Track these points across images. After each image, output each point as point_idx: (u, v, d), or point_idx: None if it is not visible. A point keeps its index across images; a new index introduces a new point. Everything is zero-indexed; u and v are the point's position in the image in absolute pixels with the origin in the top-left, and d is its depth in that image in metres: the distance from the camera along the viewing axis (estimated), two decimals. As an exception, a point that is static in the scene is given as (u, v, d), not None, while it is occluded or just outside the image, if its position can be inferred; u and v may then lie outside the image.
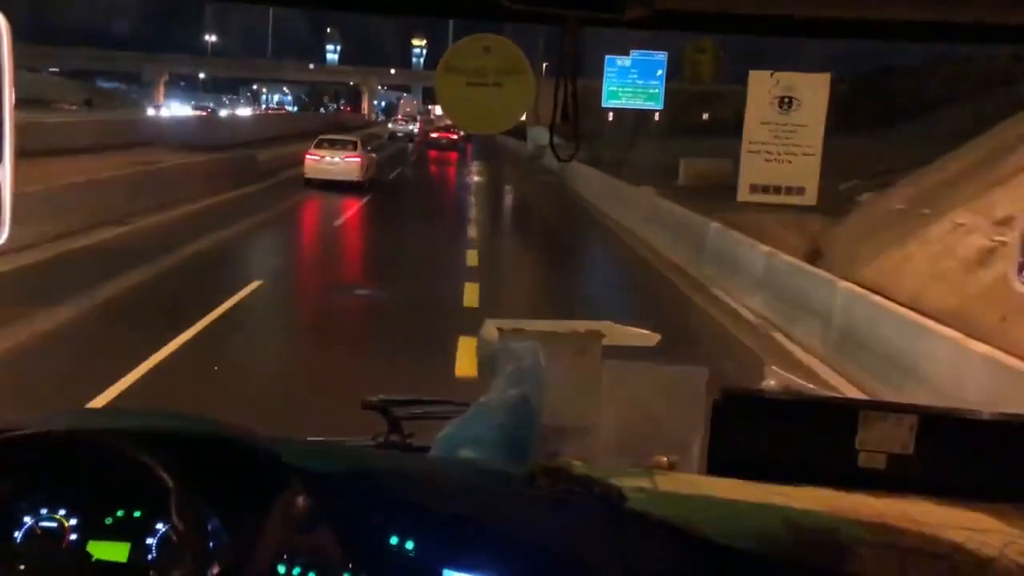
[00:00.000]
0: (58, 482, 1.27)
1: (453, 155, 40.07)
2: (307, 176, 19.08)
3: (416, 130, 52.49)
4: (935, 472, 1.34)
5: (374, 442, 1.61)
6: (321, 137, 20.85)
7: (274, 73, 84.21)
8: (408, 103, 75.87)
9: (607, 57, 26.37)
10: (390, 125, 58.93)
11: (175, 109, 61.46)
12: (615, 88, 26.91)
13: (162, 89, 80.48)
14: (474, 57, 1.26)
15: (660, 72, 26.86)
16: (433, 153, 40.17)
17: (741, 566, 1.13)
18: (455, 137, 41.52)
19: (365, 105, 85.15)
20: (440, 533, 1.17)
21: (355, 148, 19.90)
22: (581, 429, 1.51)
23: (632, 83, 26.93)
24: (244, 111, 68.93)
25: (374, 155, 22.54)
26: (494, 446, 1.43)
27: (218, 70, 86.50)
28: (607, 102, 26.88)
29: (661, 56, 26.78)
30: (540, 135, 30.23)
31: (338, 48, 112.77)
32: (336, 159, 19.05)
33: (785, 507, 1.25)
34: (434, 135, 44.49)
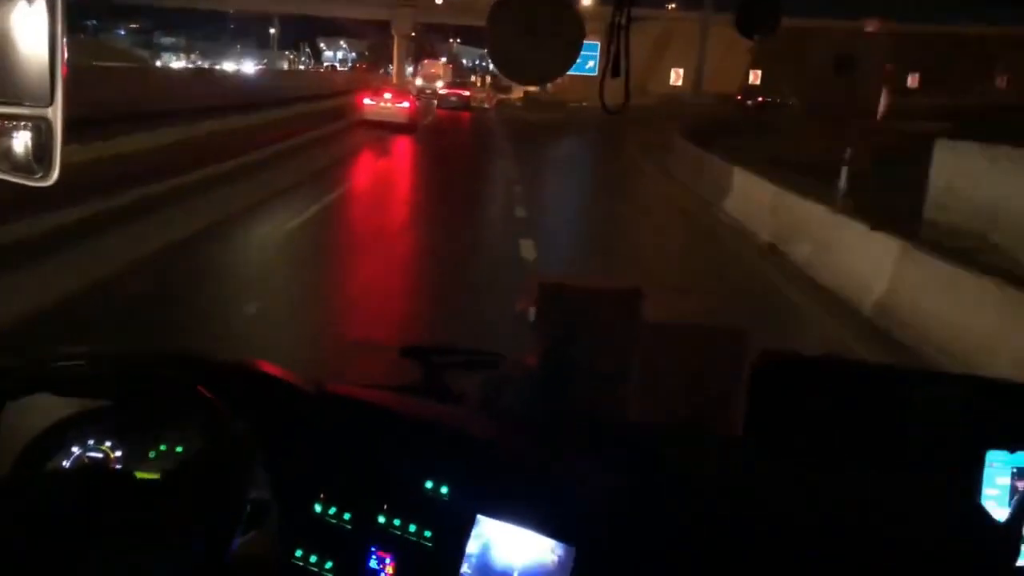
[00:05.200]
0: (106, 413, 1.30)
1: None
2: (364, 118, 22.46)
3: (441, 87, 45.99)
4: (981, 440, 1.32)
5: (410, 388, 1.63)
6: (376, 87, 25.54)
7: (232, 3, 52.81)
8: (433, 64, 59.64)
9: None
10: (417, 82, 52.18)
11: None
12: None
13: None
14: (523, 5, 1.24)
15: None
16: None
17: (774, 527, 1.14)
18: (466, 94, 35.55)
19: (395, 60, 55.88)
20: (475, 479, 1.19)
21: (403, 95, 24.20)
22: (617, 382, 1.51)
23: None
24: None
25: (419, 103, 26.50)
26: (530, 395, 1.44)
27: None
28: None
29: None
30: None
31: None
32: (389, 105, 22.94)
33: (822, 472, 1.25)
34: (443, 91, 37.03)
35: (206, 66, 56.19)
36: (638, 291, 1.54)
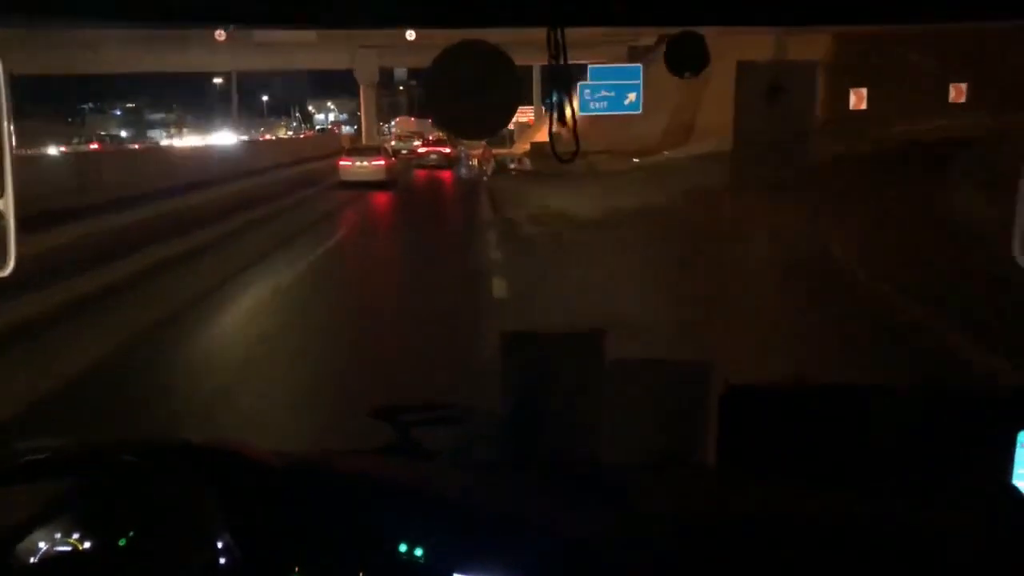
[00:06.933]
0: (73, 506, 1.28)
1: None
2: (343, 179, 22.87)
3: (419, 145, 37.62)
4: (956, 455, 1.32)
5: (382, 449, 1.62)
6: (351, 147, 26.07)
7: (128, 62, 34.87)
8: (406, 120, 54.26)
9: None
10: (393, 143, 41.01)
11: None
12: None
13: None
14: (462, 62, 1.26)
15: None
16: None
17: (752, 563, 1.13)
18: (447, 151, 30.53)
19: (363, 114, 44.48)
20: (449, 538, 1.18)
21: (378, 153, 24.56)
22: (587, 425, 1.51)
23: None
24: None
25: (394, 159, 26.50)
26: (502, 445, 1.43)
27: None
28: None
29: None
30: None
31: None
32: (365, 163, 23.38)
33: (797, 500, 1.25)
34: (422, 150, 33.61)
35: (165, 143, 54.73)
36: (601, 331, 1.55)
